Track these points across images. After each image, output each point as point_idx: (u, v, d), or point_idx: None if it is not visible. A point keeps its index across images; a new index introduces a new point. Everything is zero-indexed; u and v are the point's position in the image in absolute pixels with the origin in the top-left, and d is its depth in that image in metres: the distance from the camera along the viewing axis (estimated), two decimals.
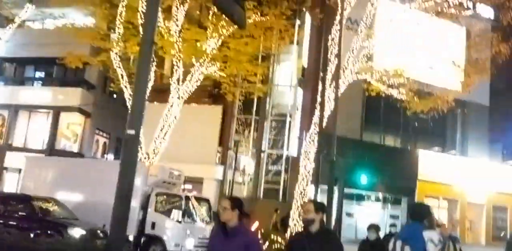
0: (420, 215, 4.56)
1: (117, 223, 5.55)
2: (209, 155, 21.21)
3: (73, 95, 23.08)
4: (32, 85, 25.61)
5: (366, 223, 20.39)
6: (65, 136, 23.38)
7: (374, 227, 8.06)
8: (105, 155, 25.43)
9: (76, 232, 10.13)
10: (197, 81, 17.52)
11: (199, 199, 13.16)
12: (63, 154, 21.49)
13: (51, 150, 22.67)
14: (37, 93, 23.95)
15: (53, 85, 24.84)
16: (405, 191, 22.48)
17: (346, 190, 23.13)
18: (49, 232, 10.09)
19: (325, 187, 17.44)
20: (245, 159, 22.05)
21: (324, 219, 4.29)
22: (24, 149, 22.28)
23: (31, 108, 23.78)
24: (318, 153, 15.67)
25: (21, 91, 23.90)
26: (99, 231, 10.77)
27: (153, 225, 12.21)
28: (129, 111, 5.88)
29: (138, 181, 12.60)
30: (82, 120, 23.84)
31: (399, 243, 4.99)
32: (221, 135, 21.79)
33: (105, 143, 25.64)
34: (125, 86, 17.07)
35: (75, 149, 23.29)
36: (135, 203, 12.42)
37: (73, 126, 23.65)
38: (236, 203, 3.91)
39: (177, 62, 16.54)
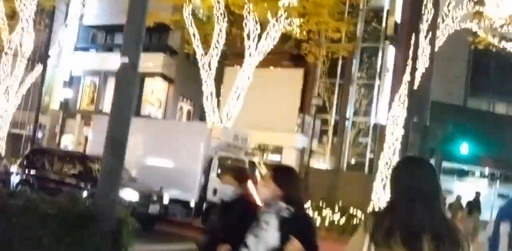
0: None
1: (107, 175, 4.24)
2: (290, 122, 19.63)
3: (156, 61, 22.75)
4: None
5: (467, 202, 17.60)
6: (149, 102, 23.31)
7: (229, 173, 3.49)
8: None
9: (127, 194, 9.32)
10: (273, 39, 15.90)
11: (266, 165, 11.73)
12: None
13: (137, 116, 22.70)
14: None
15: None
16: None
17: (445, 164, 20.27)
18: None
19: None
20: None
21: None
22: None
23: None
24: (408, 118, 13.31)
25: (110, 58, 24.11)
26: (153, 194, 9.89)
27: (215, 191, 11.08)
28: (123, 37, 4.48)
29: (200, 144, 11.54)
30: (165, 86, 23.55)
31: (506, 226, 3.01)
32: (302, 101, 20.04)
33: (189, 110, 25.26)
34: (197, 46, 16.04)
35: (159, 115, 23.15)
36: (197, 167, 11.39)
37: (157, 91, 23.46)
38: None
39: (247, 16, 14.96)
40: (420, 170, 1.91)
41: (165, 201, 9.99)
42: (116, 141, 4.17)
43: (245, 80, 16.28)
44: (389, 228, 1.77)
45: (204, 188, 11.24)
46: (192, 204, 11.16)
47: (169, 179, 11.33)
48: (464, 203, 15.33)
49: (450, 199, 18.15)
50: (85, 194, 9.58)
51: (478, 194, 15.91)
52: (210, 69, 16.35)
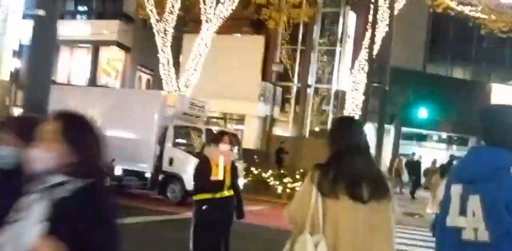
0: (503, 134, 1.87)
1: None
2: (251, 90, 19.11)
3: (111, 29, 21.47)
4: (75, 18, 24.17)
5: (426, 165, 17.83)
6: (105, 72, 22.20)
7: (8, 128, 2.08)
8: None
9: None
10: (232, 3, 15.12)
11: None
12: None
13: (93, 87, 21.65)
14: (77, 27, 22.55)
15: (92, 18, 23.37)
16: (474, 129, 19.29)
17: (404, 129, 20.44)
18: None
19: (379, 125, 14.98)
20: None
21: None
22: (68, 85, 21.44)
23: (72, 43, 22.60)
24: (368, 83, 13.04)
25: (61, 26, 22.54)
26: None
27: (171, 161, 10.61)
28: None
29: (154, 112, 10.93)
30: (122, 56, 22.40)
31: (457, 188, 2.44)
32: (264, 68, 19.48)
33: (148, 80, 24.26)
34: (151, 11, 15.08)
35: (117, 85, 22.13)
36: (151, 137, 10.82)
37: (113, 61, 22.32)
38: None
39: None
40: (354, 129, 2.11)
41: (116, 173, 9.45)
42: (35, 107, 3.57)
43: (203, 47, 15.57)
44: (334, 178, 1.94)
45: (159, 158, 10.73)
46: (148, 175, 10.67)
47: (124, 150, 10.72)
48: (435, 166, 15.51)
49: (425, 164, 18.15)
50: None
51: (452, 157, 15.98)
52: (166, 36, 15.51)
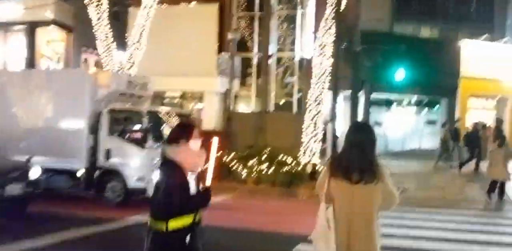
0: None
1: None
2: (208, 64, 16.52)
3: (46, 6, 18.18)
4: None
5: (397, 132, 15.93)
6: (45, 56, 19.02)
7: None
8: None
9: None
10: None
11: (180, 116, 8.79)
12: None
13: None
14: (9, 8, 19.11)
15: None
16: (444, 90, 17.49)
17: (373, 95, 18.47)
18: None
19: (347, 93, 12.93)
20: None
21: None
22: None
23: (5, 26, 19.22)
24: (336, 44, 10.77)
25: None
26: (14, 170, 6.77)
27: (107, 154, 8.14)
28: None
29: (83, 95, 8.35)
30: (63, 36, 19.23)
31: None
32: (220, 40, 16.84)
33: (96, 61, 21.17)
34: None
35: None
36: (81, 125, 8.27)
37: (53, 43, 19.13)
38: None
39: None
40: (360, 131, 2.84)
41: (34, 176, 6.93)
42: None
43: (146, 17, 12.87)
44: (336, 165, 2.74)
45: (93, 151, 8.23)
46: (80, 173, 8.19)
47: (48, 144, 8.21)
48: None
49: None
50: None
51: (498, 121, 13.76)
52: (101, 6, 12.70)
